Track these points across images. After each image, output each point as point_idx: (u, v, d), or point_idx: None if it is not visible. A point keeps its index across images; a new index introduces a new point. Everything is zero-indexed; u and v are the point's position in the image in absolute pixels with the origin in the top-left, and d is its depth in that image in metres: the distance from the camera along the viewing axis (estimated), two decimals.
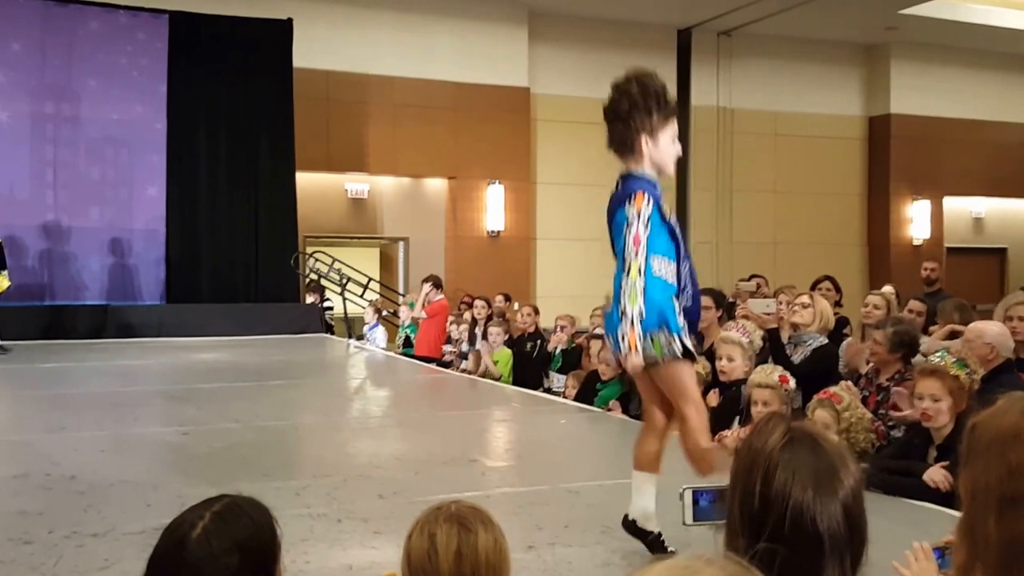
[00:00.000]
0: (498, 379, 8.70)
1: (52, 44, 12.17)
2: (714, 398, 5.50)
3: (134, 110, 12.51)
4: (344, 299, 13.01)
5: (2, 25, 11.94)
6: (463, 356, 10.03)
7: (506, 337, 9.10)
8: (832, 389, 4.64)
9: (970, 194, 18.73)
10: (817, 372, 5.45)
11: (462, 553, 1.79)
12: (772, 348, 5.60)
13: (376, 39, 14.60)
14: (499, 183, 15.42)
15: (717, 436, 5.05)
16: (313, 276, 13.61)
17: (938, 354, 4.32)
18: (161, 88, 12.56)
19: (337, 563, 3.30)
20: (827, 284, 7.81)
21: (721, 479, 1.73)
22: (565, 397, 7.38)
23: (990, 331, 4.80)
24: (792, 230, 17.46)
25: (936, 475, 3.86)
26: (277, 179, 13.14)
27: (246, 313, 12.52)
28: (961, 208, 18.88)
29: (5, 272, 9.93)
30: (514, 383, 8.54)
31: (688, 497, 1.99)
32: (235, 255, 13.01)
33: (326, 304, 13.52)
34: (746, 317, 6.15)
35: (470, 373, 9.29)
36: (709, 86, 17.02)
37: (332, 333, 13.04)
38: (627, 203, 3.22)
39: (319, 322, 12.89)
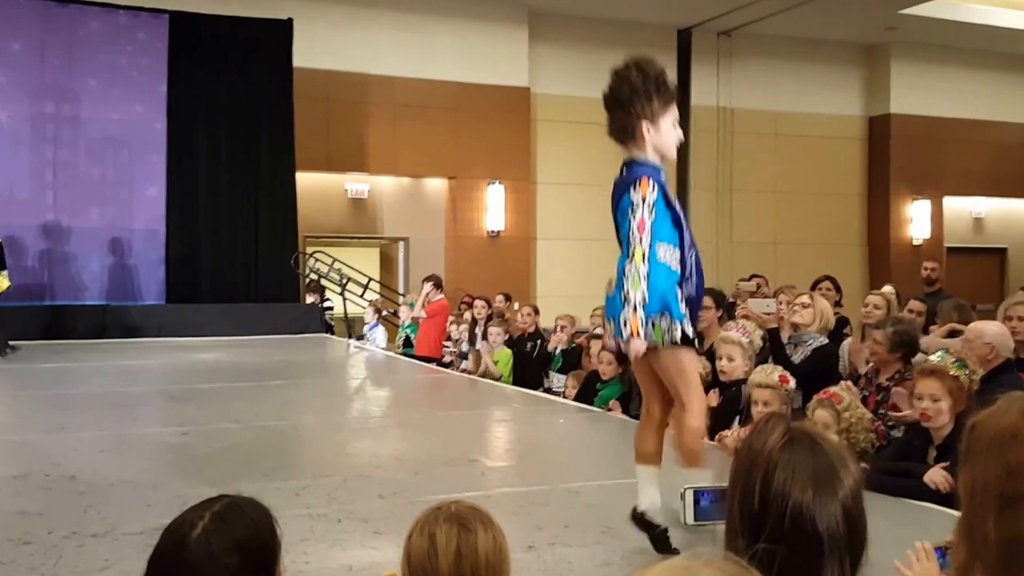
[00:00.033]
0: (498, 379, 8.70)
1: (52, 44, 12.17)
2: (714, 398, 5.50)
3: (134, 110, 12.51)
4: (344, 299, 13.01)
5: (2, 25, 11.94)
6: (463, 356, 10.04)
7: (506, 337, 9.11)
8: (832, 389, 4.64)
9: (970, 194, 18.73)
10: (817, 372, 5.45)
11: (462, 553, 1.79)
12: (772, 348, 5.60)
13: (376, 39, 14.61)
14: (499, 183, 15.42)
15: (717, 436, 5.06)
16: (313, 276, 13.61)
17: (938, 354, 4.31)
18: (161, 88, 12.56)
19: (337, 563, 3.30)
20: (827, 284, 7.81)
21: (720, 479, 1.73)
22: (565, 397, 7.38)
23: (990, 331, 4.80)
24: (792, 230, 17.46)
25: (936, 476, 3.86)
26: (277, 179, 13.15)
27: (246, 313, 12.53)
28: (961, 208, 18.88)
29: (5, 272, 9.93)
30: (514, 383, 8.54)
31: (689, 497, 2.00)
32: (235, 255, 13.01)
33: (326, 304, 13.53)
34: (746, 317, 6.15)
35: (470, 373, 9.29)
36: (709, 86, 17.02)
37: (332, 333, 13.05)
38: (632, 189, 3.21)
39: (319, 322, 12.89)
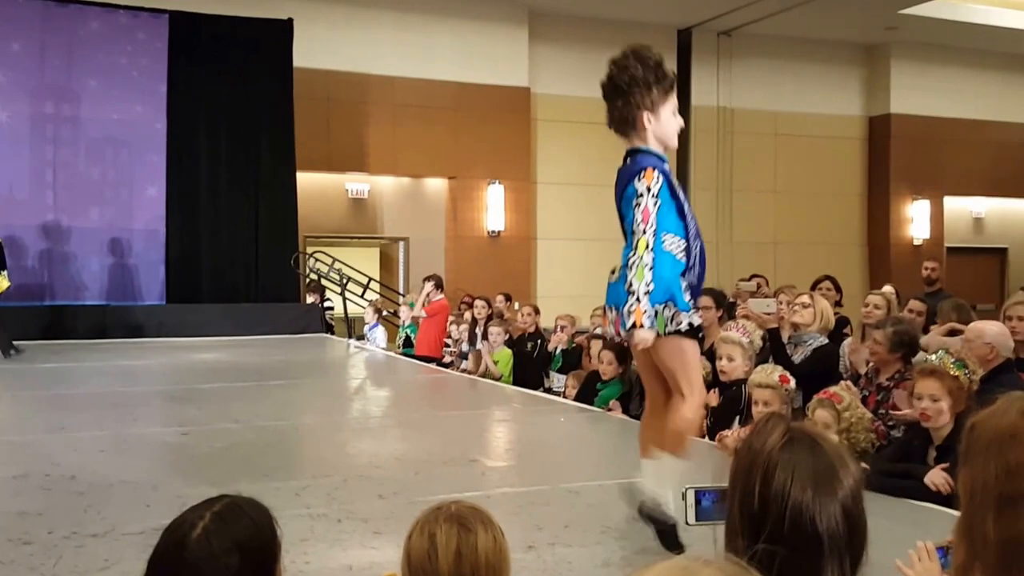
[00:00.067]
0: (498, 379, 8.70)
1: (52, 44, 12.17)
2: (714, 398, 5.50)
3: (134, 110, 12.51)
4: (344, 299, 13.02)
5: (2, 25, 11.94)
6: (463, 356, 10.04)
7: (506, 337, 9.10)
8: (832, 389, 4.64)
9: (970, 194, 18.73)
10: (817, 372, 5.45)
11: (462, 553, 1.79)
12: (772, 348, 5.60)
13: (376, 39, 14.61)
14: (499, 183, 15.42)
15: (717, 436, 5.06)
16: (313, 276, 13.61)
17: (937, 354, 4.31)
18: (161, 88, 12.56)
19: (337, 563, 3.30)
20: (827, 284, 7.81)
21: (721, 479, 1.73)
22: (565, 397, 7.38)
23: (990, 331, 4.80)
24: (792, 230, 17.47)
25: (937, 478, 3.85)
26: (277, 179, 13.15)
27: (246, 313, 12.53)
28: (961, 208, 18.88)
29: (5, 272, 9.93)
30: (514, 383, 8.54)
31: (691, 497, 1.99)
32: (235, 255, 13.01)
33: (326, 304, 13.53)
34: (746, 317, 6.15)
35: (470, 373, 9.29)
36: (709, 86, 17.02)
37: (332, 333, 13.05)
38: (637, 179, 3.20)
39: (319, 322, 12.89)
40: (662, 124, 3.30)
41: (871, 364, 5.29)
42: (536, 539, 3.50)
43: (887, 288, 8.82)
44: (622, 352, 6.51)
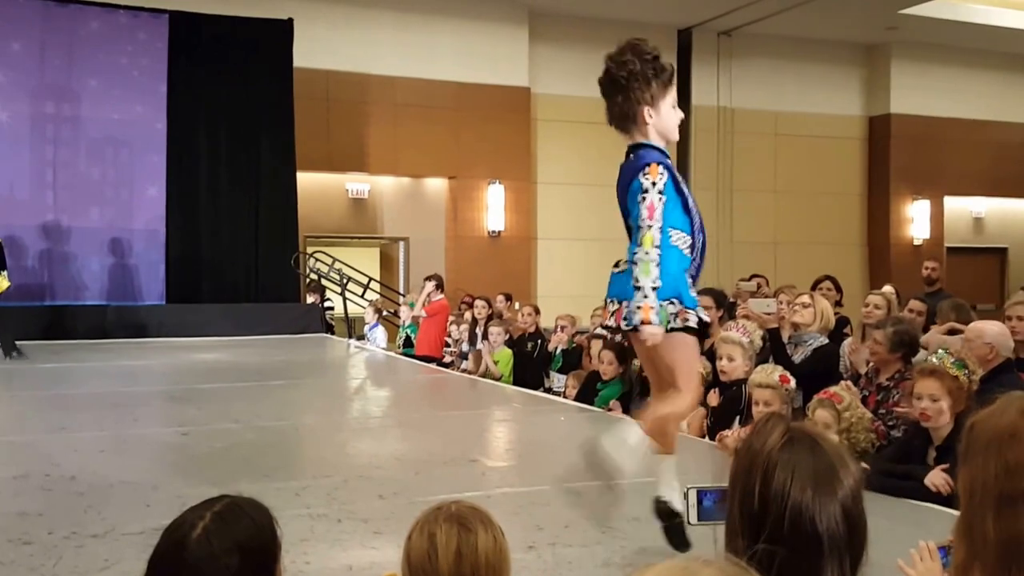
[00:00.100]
0: (498, 379, 8.70)
1: (52, 44, 12.17)
2: (714, 398, 5.51)
3: (134, 110, 12.50)
4: (344, 299, 13.01)
5: (2, 25, 11.94)
6: (463, 356, 10.04)
7: (506, 337, 9.11)
8: (832, 389, 4.64)
9: (970, 194, 18.73)
10: (818, 372, 5.45)
11: (462, 553, 1.79)
12: (773, 348, 5.60)
13: (377, 39, 14.61)
14: (499, 183, 15.42)
15: (717, 436, 5.06)
16: (313, 276, 13.61)
17: (937, 354, 4.31)
18: (161, 88, 12.56)
19: (337, 563, 3.30)
20: (827, 284, 7.81)
21: (721, 479, 1.73)
22: (565, 397, 7.38)
23: (990, 331, 4.80)
24: (792, 230, 17.47)
25: (937, 479, 3.85)
26: (277, 179, 13.15)
27: (246, 313, 12.52)
28: (961, 208, 18.87)
29: (5, 272, 9.92)
30: (514, 383, 8.54)
31: (692, 497, 1.99)
32: (235, 255, 13.00)
33: (326, 304, 13.53)
34: (747, 317, 6.15)
35: (470, 373, 9.29)
36: (709, 86, 17.02)
37: (332, 333, 13.04)
38: (641, 174, 3.19)
39: (319, 322, 12.89)
40: (663, 118, 3.28)
41: (871, 364, 5.29)
42: (536, 539, 3.50)
43: (887, 288, 8.82)
44: (622, 352, 6.51)
